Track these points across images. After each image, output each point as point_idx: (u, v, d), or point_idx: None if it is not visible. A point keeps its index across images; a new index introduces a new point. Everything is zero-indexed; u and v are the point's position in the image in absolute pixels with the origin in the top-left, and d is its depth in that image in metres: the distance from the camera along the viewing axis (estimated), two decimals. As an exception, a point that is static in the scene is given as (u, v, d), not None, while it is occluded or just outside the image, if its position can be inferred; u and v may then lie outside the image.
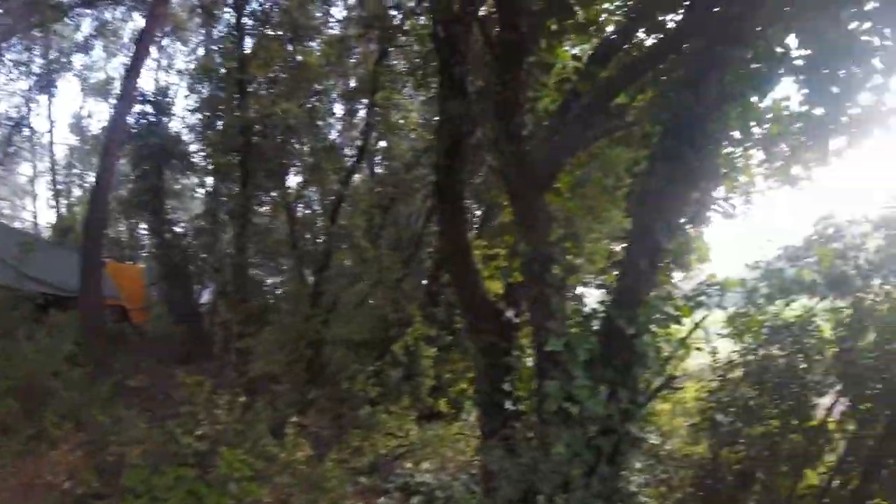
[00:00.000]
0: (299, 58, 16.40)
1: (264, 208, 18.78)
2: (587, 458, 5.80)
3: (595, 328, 6.19)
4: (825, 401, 9.66)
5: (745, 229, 9.19)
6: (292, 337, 12.84)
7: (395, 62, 15.21)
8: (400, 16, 11.89)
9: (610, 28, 7.58)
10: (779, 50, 6.04)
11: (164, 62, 28.66)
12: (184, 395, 9.83)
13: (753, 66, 6.12)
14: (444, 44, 7.54)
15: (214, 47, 21.10)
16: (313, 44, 17.18)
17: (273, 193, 17.79)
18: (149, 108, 21.50)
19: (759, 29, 5.85)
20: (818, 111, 6.18)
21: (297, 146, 17.21)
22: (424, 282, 15.57)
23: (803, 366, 9.61)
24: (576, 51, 7.93)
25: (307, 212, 18.55)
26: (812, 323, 9.67)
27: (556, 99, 7.49)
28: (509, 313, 7.34)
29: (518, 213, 6.90)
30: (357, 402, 11.93)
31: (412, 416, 11.95)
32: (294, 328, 13.05)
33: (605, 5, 7.38)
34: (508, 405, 7.09)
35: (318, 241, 15.98)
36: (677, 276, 7.95)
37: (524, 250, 6.58)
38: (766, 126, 6.81)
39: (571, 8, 6.95)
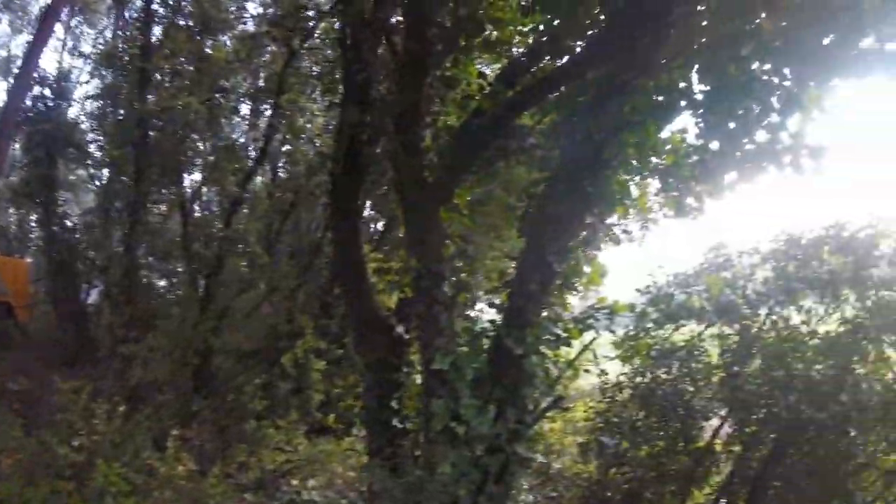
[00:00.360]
0: (207, 51, 15.76)
1: (159, 207, 17.95)
2: (474, 478, 5.73)
3: (485, 347, 6.13)
4: (712, 423, 9.96)
5: (642, 255, 9.39)
6: (179, 344, 12.22)
7: (305, 64, 14.83)
8: (313, 17, 11.52)
9: (518, 49, 7.56)
10: (681, 84, 6.15)
11: (70, 44, 27.11)
12: (62, 402, 9.23)
13: (655, 97, 6.20)
14: (350, 48, 7.37)
15: (122, 33, 20.18)
16: (224, 38, 16.61)
17: (168, 191, 16.99)
18: (47, 92, 20.59)
19: (664, 61, 5.93)
20: (714, 145, 6.31)
21: (197, 143, 16.51)
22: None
23: (690, 389, 9.88)
24: (487, 70, 7.90)
25: (204, 212, 17.84)
26: (700, 348, 9.97)
27: (462, 116, 7.42)
28: (400, 329, 7.20)
29: (411, 227, 6.78)
30: (244, 414, 11.50)
31: (301, 430, 11.59)
32: (182, 335, 12.44)
33: (519, 27, 7.34)
34: (396, 423, 6.98)
35: (212, 244, 15.32)
36: (571, 298, 8.02)
37: (414, 265, 6.46)
38: (664, 156, 6.92)
39: (483, 26, 6.90)
